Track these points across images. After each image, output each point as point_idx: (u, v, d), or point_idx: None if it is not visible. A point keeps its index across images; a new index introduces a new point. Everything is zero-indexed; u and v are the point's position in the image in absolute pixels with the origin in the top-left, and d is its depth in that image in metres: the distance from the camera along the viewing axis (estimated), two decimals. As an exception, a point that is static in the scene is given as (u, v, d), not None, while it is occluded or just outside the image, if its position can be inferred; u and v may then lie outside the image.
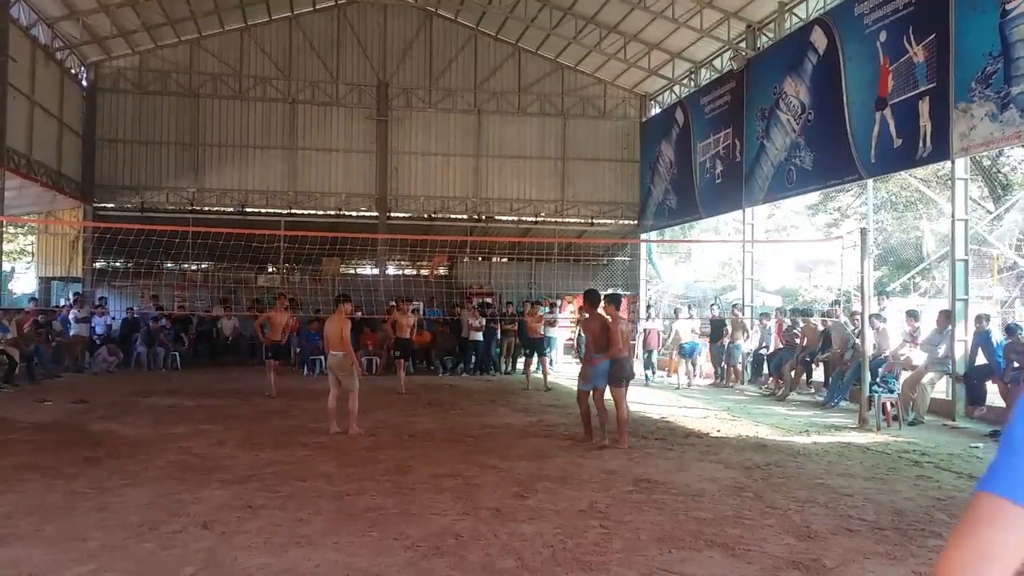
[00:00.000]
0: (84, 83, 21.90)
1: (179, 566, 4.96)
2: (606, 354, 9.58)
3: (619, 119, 24.61)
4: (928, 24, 12.28)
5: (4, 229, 19.60)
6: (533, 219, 24.43)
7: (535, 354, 16.46)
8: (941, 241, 23.83)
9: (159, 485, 7.13)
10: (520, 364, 19.89)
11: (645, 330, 18.32)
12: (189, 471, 7.75)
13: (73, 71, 21.14)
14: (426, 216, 23.90)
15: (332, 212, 23.34)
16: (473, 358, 19.26)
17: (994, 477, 1.09)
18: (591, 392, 9.78)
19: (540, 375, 16.31)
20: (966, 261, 12.36)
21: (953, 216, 12.38)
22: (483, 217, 24.18)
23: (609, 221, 24.80)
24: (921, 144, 12.45)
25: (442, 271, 24.61)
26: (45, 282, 23.53)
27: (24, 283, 29.51)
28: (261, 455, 8.61)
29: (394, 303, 20.81)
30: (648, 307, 19.96)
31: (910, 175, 18.79)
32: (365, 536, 5.64)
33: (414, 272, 24.77)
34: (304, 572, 4.89)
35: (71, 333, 18.09)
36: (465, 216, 24.17)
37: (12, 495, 6.65)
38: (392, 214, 23.58)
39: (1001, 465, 1.09)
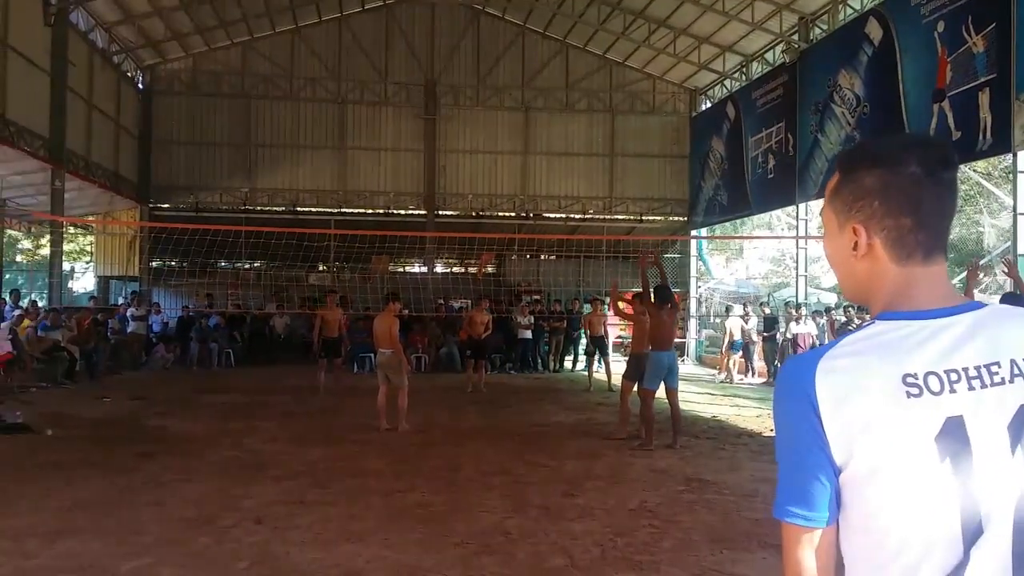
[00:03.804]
0: (140, 86, 22.37)
1: (233, 560, 5.03)
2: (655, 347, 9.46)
3: (668, 114, 24.36)
4: (988, 13, 11.92)
5: (64, 229, 20.13)
6: (581, 216, 24.31)
7: (597, 352, 16.20)
8: (1003, 236, 23.17)
9: (213, 480, 7.24)
10: (568, 362, 19.88)
11: (795, 335, 16.19)
12: (242, 467, 7.86)
13: (129, 74, 21.61)
14: (474, 214, 23.93)
15: (381, 211, 23.50)
16: (522, 356, 19.24)
17: (779, 503, 1.22)
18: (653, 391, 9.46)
19: (602, 375, 15.85)
20: (1029, 256, 11.99)
21: (1015, 210, 12.03)
22: (531, 215, 24.15)
23: (658, 218, 24.58)
24: (981, 136, 12.10)
25: (490, 269, 24.62)
26: (104, 281, 24.12)
27: (84, 282, 30.29)
28: (312, 451, 8.70)
29: (446, 301, 21.02)
30: (798, 307, 17.29)
31: (970, 168, 18.28)
32: (415, 533, 5.65)
33: (462, 270, 24.83)
34: (355, 568, 4.92)
35: (128, 331, 18.48)
36: (513, 214, 24.16)
37: (72, 489, 6.81)
38: (440, 212, 23.67)
39: (781, 488, 1.22)
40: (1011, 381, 1.19)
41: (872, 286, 1.29)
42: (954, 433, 1.15)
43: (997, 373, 1.19)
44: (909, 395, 1.16)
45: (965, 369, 1.18)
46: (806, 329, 16.12)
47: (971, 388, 1.17)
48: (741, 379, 17.59)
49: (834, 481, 1.19)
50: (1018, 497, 1.15)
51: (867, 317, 1.30)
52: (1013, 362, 1.20)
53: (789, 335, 16.54)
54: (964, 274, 9.27)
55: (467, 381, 15.08)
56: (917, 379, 1.16)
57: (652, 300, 9.58)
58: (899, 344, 1.19)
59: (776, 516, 1.22)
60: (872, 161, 1.27)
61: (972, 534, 1.14)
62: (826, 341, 16.16)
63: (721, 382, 17.34)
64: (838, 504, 1.20)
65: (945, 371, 1.17)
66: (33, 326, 14.14)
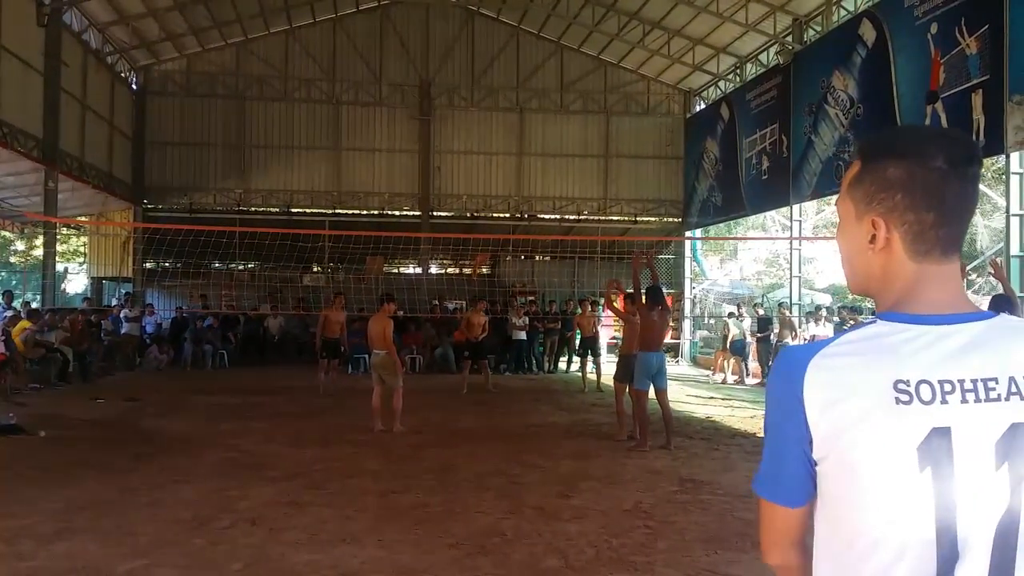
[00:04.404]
0: (134, 87, 22.32)
1: (228, 561, 5.04)
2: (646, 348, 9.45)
3: (663, 116, 24.40)
4: (981, 15, 11.97)
5: (58, 230, 20.06)
6: (576, 217, 24.34)
7: (589, 353, 16.23)
8: (996, 237, 23.27)
9: (208, 481, 7.24)
10: (562, 363, 19.92)
11: (812, 336, 16.01)
12: (238, 468, 7.87)
13: (123, 75, 21.56)
14: (469, 215, 23.93)
15: (376, 212, 23.51)
16: (517, 357, 19.25)
17: (758, 477, 1.30)
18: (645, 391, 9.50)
19: (593, 375, 15.86)
20: (1022, 257, 12.05)
21: (1008, 211, 12.08)
22: (526, 216, 24.16)
23: (653, 219, 24.61)
24: (974, 138, 12.13)
25: (485, 270, 24.63)
26: (97, 282, 24.05)
27: (77, 283, 30.20)
28: (308, 452, 8.71)
29: (437, 301, 21.04)
30: (818, 308, 17.27)
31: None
32: (410, 534, 5.66)
33: (457, 271, 24.83)
34: (350, 569, 4.93)
35: (122, 332, 18.44)
36: (507, 215, 24.17)
37: (68, 490, 6.81)
38: (435, 213, 23.67)
39: (762, 467, 1.30)
40: (1007, 399, 1.17)
41: (885, 281, 1.27)
42: (938, 444, 1.14)
43: (994, 389, 1.17)
44: (898, 401, 1.15)
45: (961, 381, 1.16)
46: (825, 331, 16.09)
47: (964, 401, 1.16)
48: (736, 379, 17.62)
49: (812, 471, 1.22)
50: (999, 514, 1.14)
51: (859, 319, 1.30)
52: (1012, 380, 1.17)
53: (807, 336, 16.53)
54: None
55: (463, 383, 15.06)
56: (908, 386, 1.15)
57: (643, 301, 9.58)
58: (897, 348, 1.18)
59: (753, 489, 1.30)
60: (897, 152, 1.24)
61: (947, 546, 1.13)
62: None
63: (722, 384, 17.42)
64: (815, 489, 1.24)
65: (939, 381, 1.16)
66: (33, 330, 14.08)
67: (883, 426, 1.15)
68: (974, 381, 1.17)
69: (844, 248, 1.34)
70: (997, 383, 1.17)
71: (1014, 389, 1.17)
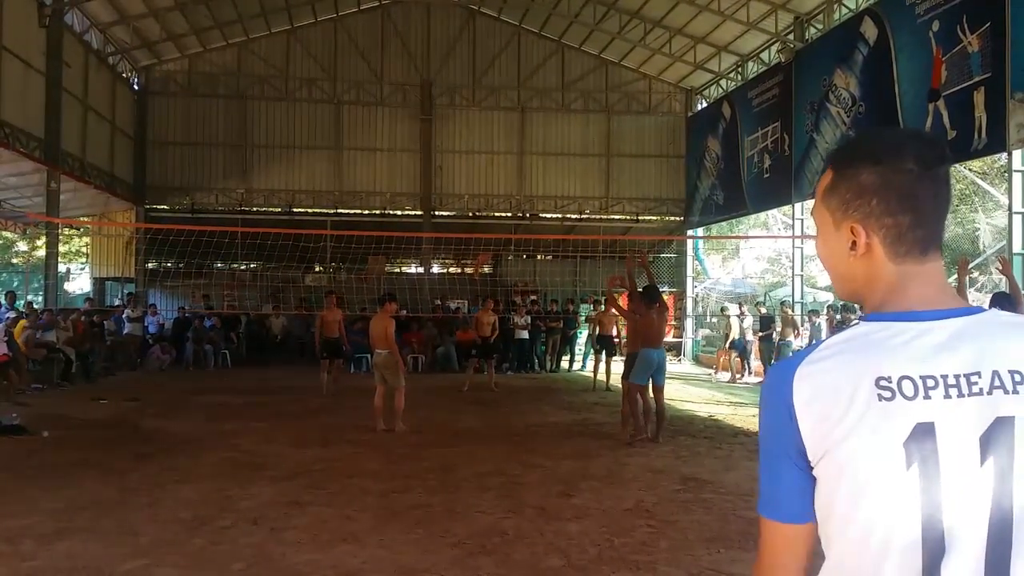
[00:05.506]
0: (135, 87, 22.33)
1: (229, 561, 5.03)
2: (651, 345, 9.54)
3: (664, 114, 24.38)
4: (982, 12, 11.95)
5: (60, 231, 20.07)
6: (577, 216, 24.33)
7: (604, 352, 16.13)
8: (998, 235, 23.23)
9: (209, 481, 7.23)
10: (564, 362, 19.89)
11: None
12: (238, 467, 7.86)
13: (125, 75, 21.57)
14: (470, 214, 23.92)
15: (377, 211, 23.50)
16: (519, 356, 19.24)
17: (759, 499, 1.27)
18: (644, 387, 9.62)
19: (603, 374, 15.70)
20: (1024, 255, 12.04)
21: (1010, 209, 12.06)
22: (527, 215, 24.15)
23: (654, 217, 24.59)
24: (976, 136, 12.13)
25: (486, 269, 24.60)
26: (99, 282, 24.06)
27: (80, 283, 30.22)
28: (309, 452, 8.70)
29: (439, 300, 21.03)
30: (846, 308, 16.56)
31: (965, 167, 18.34)
32: (411, 533, 5.65)
33: (459, 270, 24.82)
34: (351, 569, 4.92)
35: (124, 332, 18.45)
36: (509, 214, 24.16)
37: (69, 490, 6.80)
38: (436, 213, 23.67)
39: (760, 486, 1.27)
40: (990, 392, 1.16)
41: (868, 285, 1.28)
42: (923, 439, 1.13)
43: (976, 383, 1.16)
44: (880, 398, 1.15)
45: (944, 376, 1.16)
46: None
47: (947, 396, 1.15)
48: (739, 377, 17.61)
49: (808, 482, 1.21)
50: (988, 509, 1.13)
51: (852, 318, 1.29)
52: (995, 373, 1.17)
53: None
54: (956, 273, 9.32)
55: (466, 380, 15.07)
56: (891, 383, 1.15)
57: (641, 300, 9.69)
58: (879, 346, 1.18)
59: (758, 511, 1.28)
60: (869, 158, 1.25)
61: (933, 541, 1.13)
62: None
63: (729, 383, 17.36)
64: (813, 502, 1.22)
65: (922, 376, 1.16)
66: (32, 330, 14.08)
67: (866, 423, 1.15)
68: (957, 376, 1.16)
69: (825, 256, 1.35)
70: (980, 377, 1.17)
71: (997, 383, 1.16)
